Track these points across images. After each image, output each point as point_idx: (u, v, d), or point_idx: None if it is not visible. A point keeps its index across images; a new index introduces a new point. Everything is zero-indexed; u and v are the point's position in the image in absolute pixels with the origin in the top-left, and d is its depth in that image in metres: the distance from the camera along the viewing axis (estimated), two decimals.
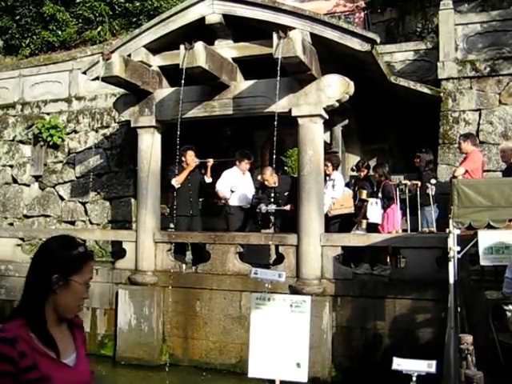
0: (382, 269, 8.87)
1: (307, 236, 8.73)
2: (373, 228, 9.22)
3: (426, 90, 10.66)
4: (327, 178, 9.68)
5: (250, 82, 9.16)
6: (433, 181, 9.28)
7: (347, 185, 10.44)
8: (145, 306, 9.51)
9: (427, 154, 9.65)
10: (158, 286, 9.64)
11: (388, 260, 9.44)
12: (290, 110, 8.79)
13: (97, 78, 9.13)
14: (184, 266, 9.75)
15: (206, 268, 9.47)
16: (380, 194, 9.30)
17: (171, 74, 9.39)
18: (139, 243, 9.83)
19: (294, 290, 8.49)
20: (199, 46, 8.16)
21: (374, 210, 9.11)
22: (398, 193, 9.08)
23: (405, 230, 9.25)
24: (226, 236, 9.53)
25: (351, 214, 9.62)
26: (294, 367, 4.91)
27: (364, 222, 9.26)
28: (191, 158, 10.26)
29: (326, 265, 8.74)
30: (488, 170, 10.26)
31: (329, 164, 9.59)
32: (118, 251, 11.00)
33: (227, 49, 9.14)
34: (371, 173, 9.93)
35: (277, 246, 8.98)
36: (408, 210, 9.41)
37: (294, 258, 8.86)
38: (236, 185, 10.20)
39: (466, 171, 8.60)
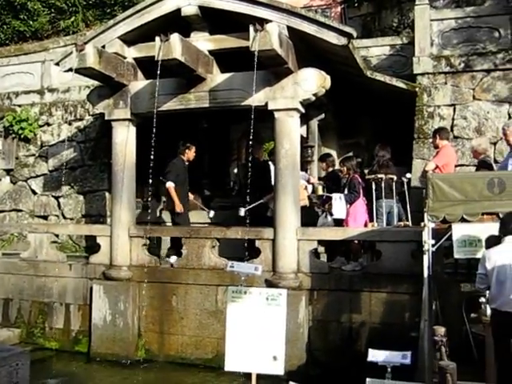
0: (354, 264, 8.93)
1: (283, 230, 8.73)
2: (337, 223, 9.24)
3: (401, 85, 10.71)
4: None
5: (227, 75, 9.11)
6: (408, 175, 9.33)
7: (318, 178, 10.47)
8: (120, 302, 9.43)
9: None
10: (134, 280, 9.57)
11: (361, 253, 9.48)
12: (267, 104, 8.76)
13: (70, 70, 9.00)
14: (168, 259, 9.70)
15: (181, 262, 9.42)
16: (347, 188, 9.32)
17: (146, 66, 9.29)
18: (114, 238, 9.73)
19: (270, 284, 8.48)
20: (175, 38, 8.09)
21: (339, 206, 9.13)
22: (374, 186, 9.10)
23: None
24: (202, 230, 9.50)
25: (304, 206, 9.61)
26: (271, 360, 4.89)
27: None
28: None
29: (302, 259, 8.75)
30: (462, 165, 10.36)
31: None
32: (92, 246, 10.90)
33: (203, 41, 9.08)
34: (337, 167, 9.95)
35: (251, 241, 8.94)
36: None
37: (271, 252, 8.85)
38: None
39: (437, 166, 8.66)
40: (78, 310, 9.99)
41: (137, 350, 9.42)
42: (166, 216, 11.07)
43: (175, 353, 9.24)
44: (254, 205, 9.25)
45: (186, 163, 10.26)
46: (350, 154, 11.34)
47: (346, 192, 9.25)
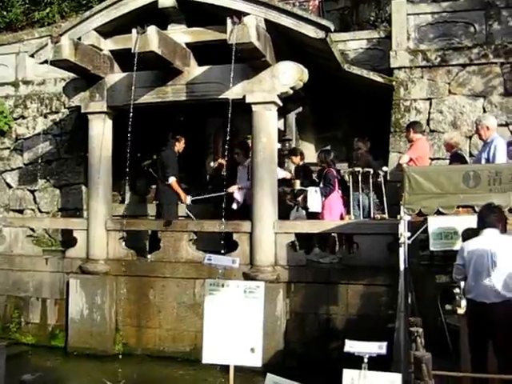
0: (332, 257, 8.99)
1: (261, 223, 8.75)
2: (313, 217, 9.27)
3: (378, 79, 10.76)
4: (239, 166, 9.70)
5: (204, 68, 9.08)
6: (384, 168, 9.40)
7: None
8: (97, 296, 9.39)
9: (363, 143, 9.72)
10: (111, 274, 9.53)
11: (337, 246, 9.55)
12: (244, 97, 8.77)
13: (45, 62, 8.90)
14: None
15: (158, 256, 9.40)
16: (322, 182, 9.36)
17: (123, 58, 9.22)
18: (90, 231, 9.68)
19: (247, 277, 8.50)
20: (152, 30, 8.04)
21: (314, 199, 9.17)
22: (350, 180, 9.16)
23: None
24: (179, 223, 9.48)
25: None
26: (248, 352, 4.91)
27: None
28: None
29: (279, 252, 8.78)
30: (438, 158, 10.45)
31: (238, 151, 9.56)
32: (68, 240, 10.79)
33: (180, 34, 9.03)
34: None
35: (229, 234, 8.95)
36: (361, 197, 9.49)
37: (248, 245, 8.88)
38: None
39: (411, 159, 8.73)
40: (55, 304, 9.92)
41: (114, 344, 9.39)
42: (151, 209, 11.01)
43: (153, 346, 9.23)
44: (204, 196, 9.30)
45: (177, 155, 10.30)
46: (328, 147, 11.36)
47: (321, 185, 9.30)
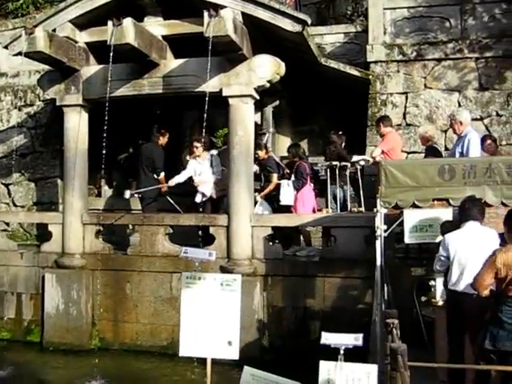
0: (297, 249, 9.03)
1: (237, 217, 8.76)
2: (285, 209, 9.30)
3: (355, 73, 10.80)
4: (198, 158, 9.67)
5: (181, 61, 9.04)
6: (361, 162, 9.44)
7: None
8: (73, 290, 9.32)
9: (338, 137, 9.77)
10: (87, 268, 9.47)
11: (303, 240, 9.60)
12: (221, 90, 8.75)
13: (19, 54, 8.79)
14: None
15: (135, 250, 9.36)
16: (294, 175, 9.38)
17: (99, 50, 9.13)
18: (66, 225, 9.59)
19: (224, 271, 8.49)
20: (128, 22, 7.98)
21: (287, 192, 9.20)
22: (327, 174, 9.20)
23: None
24: (155, 217, 9.43)
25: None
26: (226, 345, 4.91)
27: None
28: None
29: (256, 245, 8.80)
30: (414, 152, 10.55)
31: (199, 145, 9.55)
32: (43, 234, 10.70)
33: (157, 26, 8.97)
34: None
35: (205, 228, 8.94)
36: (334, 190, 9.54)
37: (225, 239, 8.88)
38: None
39: (383, 151, 8.79)
40: (30, 299, 9.82)
41: (91, 338, 9.34)
42: (128, 202, 10.96)
43: (130, 341, 9.20)
44: (144, 189, 9.46)
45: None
46: (305, 140, 11.40)
47: (292, 178, 9.33)
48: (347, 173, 9.17)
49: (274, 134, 11.88)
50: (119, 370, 8.45)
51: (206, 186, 9.64)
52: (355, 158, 9.52)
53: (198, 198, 9.66)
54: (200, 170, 9.68)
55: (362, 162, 9.40)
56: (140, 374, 8.26)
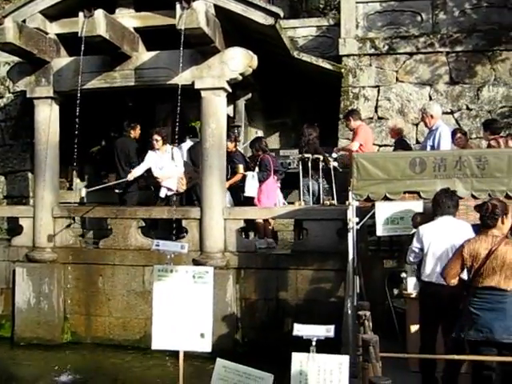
0: (269, 242, 9.10)
1: (210, 209, 8.75)
2: (249, 201, 9.33)
3: (327, 66, 10.85)
4: (158, 152, 9.60)
5: (153, 53, 8.98)
6: (334, 154, 9.49)
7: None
8: (44, 284, 9.22)
9: (313, 129, 9.81)
10: (58, 262, 9.37)
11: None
12: (193, 83, 8.71)
13: None
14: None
15: (107, 243, 9.29)
16: (258, 167, 9.40)
17: (70, 42, 9.02)
18: (37, 219, 9.48)
19: (197, 264, 8.48)
20: (99, 13, 7.89)
21: (251, 184, 9.22)
22: (300, 166, 9.23)
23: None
24: (128, 210, 9.38)
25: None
26: (198, 338, 4.91)
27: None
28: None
29: (228, 238, 8.81)
30: (386, 145, 10.64)
31: (158, 138, 9.52)
32: (14, 228, 10.58)
33: (129, 18, 8.89)
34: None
35: (179, 221, 8.92)
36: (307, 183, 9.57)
37: (198, 232, 8.87)
38: None
39: (361, 144, 8.86)
40: (1, 293, 9.70)
41: (63, 333, 9.26)
42: (102, 195, 10.87)
43: (102, 335, 9.15)
44: (101, 186, 9.51)
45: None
46: (277, 133, 11.43)
47: (257, 170, 9.35)
48: (320, 165, 9.19)
49: (247, 127, 11.89)
50: (91, 364, 8.40)
51: (170, 180, 9.56)
52: (334, 154, 9.56)
53: (163, 193, 9.59)
54: (161, 163, 9.57)
55: (335, 155, 9.44)
56: (112, 368, 8.23)
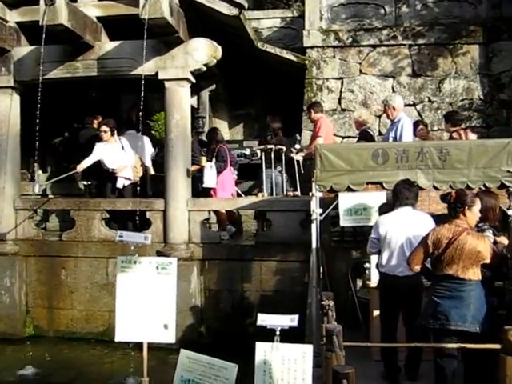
0: (223, 234, 9.16)
1: (174, 201, 8.73)
2: (207, 192, 9.34)
3: (291, 58, 10.88)
4: (107, 143, 9.51)
5: (116, 43, 8.87)
6: (297, 146, 9.53)
7: None
8: (5, 277, 9.09)
9: (277, 121, 9.85)
10: (20, 255, 9.24)
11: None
12: (157, 73, 8.66)
13: None
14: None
15: (70, 235, 9.19)
16: (215, 158, 9.40)
17: (31, 31, 8.84)
18: None
19: (161, 255, 8.35)
20: (61, 2, 7.74)
21: (210, 175, 9.23)
22: (263, 157, 9.24)
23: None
24: (91, 202, 9.29)
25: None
26: (162, 329, 4.89)
27: None
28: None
29: (193, 229, 8.80)
30: (349, 137, 10.74)
31: (107, 129, 9.47)
32: None
33: (91, 7, 8.77)
34: None
35: (143, 212, 8.87)
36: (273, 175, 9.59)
37: (162, 223, 8.85)
38: None
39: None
40: None
41: (25, 326, 9.16)
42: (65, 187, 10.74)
43: (65, 328, 9.07)
44: (59, 177, 9.52)
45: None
46: (241, 124, 11.42)
47: (213, 161, 9.34)
48: (283, 157, 9.21)
49: (211, 118, 11.86)
50: (53, 357, 8.32)
51: (125, 170, 9.46)
52: (298, 145, 9.59)
53: (120, 184, 9.50)
54: (113, 155, 9.45)
55: (298, 146, 9.48)
56: (75, 362, 8.16)
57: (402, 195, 5.79)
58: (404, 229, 5.64)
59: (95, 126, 10.08)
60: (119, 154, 9.43)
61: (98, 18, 8.84)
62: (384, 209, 6.29)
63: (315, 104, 9.51)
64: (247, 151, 11.14)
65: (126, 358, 7.83)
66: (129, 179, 9.47)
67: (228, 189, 9.42)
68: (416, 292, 5.64)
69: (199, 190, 9.41)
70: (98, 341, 8.75)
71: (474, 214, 5.00)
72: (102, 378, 7.61)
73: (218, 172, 9.24)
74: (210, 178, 9.18)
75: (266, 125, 9.72)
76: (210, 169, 9.18)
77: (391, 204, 6.09)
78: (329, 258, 7.35)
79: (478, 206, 5.02)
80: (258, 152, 9.76)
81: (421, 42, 10.97)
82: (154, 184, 10.05)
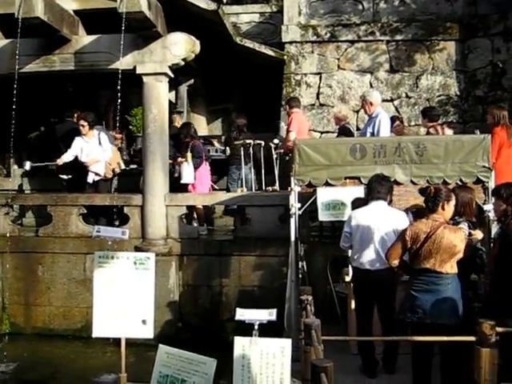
0: (201, 229, 9.15)
1: (152, 196, 8.69)
2: (184, 188, 9.32)
3: (270, 53, 10.88)
4: (85, 137, 9.45)
5: (93, 37, 8.79)
6: (275, 140, 9.54)
7: None
8: None
9: (241, 117, 9.87)
10: None
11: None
12: (135, 68, 8.60)
13: None
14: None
15: (47, 231, 9.11)
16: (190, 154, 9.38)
17: (6, 23, 8.71)
18: None
19: (139, 251, 8.35)
20: None
21: (187, 171, 9.22)
22: (241, 152, 9.24)
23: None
24: (69, 197, 9.21)
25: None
26: (140, 324, 4.86)
27: None
28: None
29: (171, 224, 8.78)
30: (327, 132, 10.78)
31: (85, 123, 9.42)
32: None
33: (68, 0, 8.64)
34: None
35: (121, 208, 8.83)
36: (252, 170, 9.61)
37: (140, 219, 8.80)
38: None
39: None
40: None
41: (1, 323, 9.05)
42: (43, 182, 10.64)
43: (43, 324, 8.98)
44: (43, 164, 9.61)
45: None
46: (219, 119, 11.41)
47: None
48: (261, 151, 9.23)
49: (189, 113, 11.82)
50: (31, 354, 8.24)
51: (97, 165, 9.41)
52: (276, 140, 9.61)
53: (90, 178, 9.43)
54: (88, 149, 9.41)
55: (276, 141, 9.49)
56: (53, 358, 8.09)
57: (374, 189, 5.82)
58: (375, 223, 5.68)
59: (74, 120, 9.98)
60: (94, 149, 9.36)
61: (75, 11, 8.73)
62: (357, 203, 6.32)
63: (291, 99, 9.56)
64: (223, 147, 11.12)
65: (104, 354, 7.80)
66: (99, 175, 9.40)
67: (205, 184, 9.43)
68: (388, 285, 5.68)
69: (176, 186, 9.39)
70: (76, 337, 8.69)
71: (450, 208, 5.06)
72: (80, 374, 7.55)
73: (195, 168, 9.23)
74: (188, 174, 9.16)
75: (232, 121, 9.74)
76: (187, 165, 9.16)
77: (364, 199, 6.14)
78: (308, 252, 7.39)
79: (453, 200, 5.08)
80: (228, 149, 9.79)
81: (398, 38, 11.04)
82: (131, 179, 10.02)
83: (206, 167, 9.51)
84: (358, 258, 5.78)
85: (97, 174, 9.39)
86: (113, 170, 9.63)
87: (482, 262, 5.03)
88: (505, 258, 4.54)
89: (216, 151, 10.77)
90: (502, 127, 7.77)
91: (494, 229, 5.83)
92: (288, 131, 8.93)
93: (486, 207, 6.20)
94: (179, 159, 9.32)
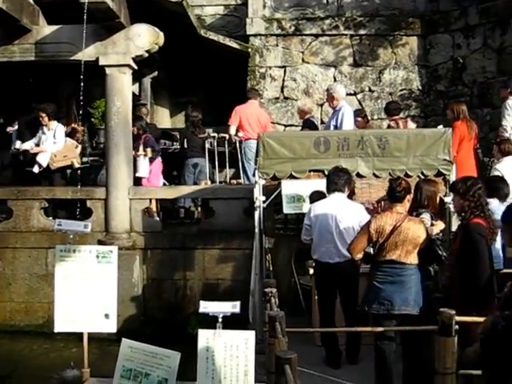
0: None
1: (116, 189, 8.61)
2: (138, 182, 9.27)
3: (234, 45, 10.86)
4: (45, 128, 9.39)
5: (54, 27, 8.64)
6: (240, 134, 9.53)
7: None
8: None
9: (196, 111, 9.86)
10: None
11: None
12: (98, 59, 8.48)
13: None
14: None
15: (8, 226, 8.94)
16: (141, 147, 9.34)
17: None
18: None
19: (103, 245, 8.27)
20: None
21: (143, 164, 9.18)
22: (206, 145, 9.21)
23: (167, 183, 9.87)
24: (30, 191, 9.04)
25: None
26: (103, 319, 4.81)
27: None
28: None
29: (134, 218, 8.71)
30: (291, 125, 10.81)
31: (44, 115, 9.30)
32: None
33: None
34: None
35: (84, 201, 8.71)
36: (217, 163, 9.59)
37: (103, 212, 8.71)
38: None
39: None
40: None
41: None
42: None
43: (3, 321, 8.81)
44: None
45: None
46: (182, 113, 11.33)
47: (141, 151, 9.27)
48: (226, 144, 9.21)
49: (153, 106, 11.73)
50: None
51: (42, 155, 9.28)
52: (240, 134, 9.60)
53: (36, 169, 9.32)
54: (44, 139, 9.36)
55: (241, 134, 9.48)
56: (14, 355, 7.94)
57: (332, 181, 5.88)
58: (333, 215, 5.74)
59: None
60: (48, 140, 9.31)
61: (35, 0, 8.57)
62: (314, 196, 6.36)
63: (248, 90, 9.61)
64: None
65: (66, 349, 7.69)
66: (41, 166, 9.27)
67: (160, 178, 9.40)
68: (349, 277, 5.74)
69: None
70: (38, 333, 8.53)
71: (409, 201, 5.18)
72: (42, 370, 7.43)
73: (151, 161, 9.19)
74: (143, 168, 9.13)
75: (188, 114, 9.73)
76: (143, 158, 9.11)
77: (322, 192, 6.18)
78: (272, 245, 7.40)
79: (412, 193, 5.21)
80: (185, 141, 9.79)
81: (362, 32, 11.11)
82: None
83: (159, 161, 9.50)
84: (317, 251, 5.83)
85: (40, 166, 9.26)
86: (71, 164, 9.47)
87: (440, 252, 5.11)
88: (465, 253, 4.62)
89: (172, 144, 10.70)
90: (462, 121, 7.93)
91: (455, 221, 5.93)
92: (227, 125, 9.00)
93: (446, 199, 6.30)
94: (137, 152, 9.24)
